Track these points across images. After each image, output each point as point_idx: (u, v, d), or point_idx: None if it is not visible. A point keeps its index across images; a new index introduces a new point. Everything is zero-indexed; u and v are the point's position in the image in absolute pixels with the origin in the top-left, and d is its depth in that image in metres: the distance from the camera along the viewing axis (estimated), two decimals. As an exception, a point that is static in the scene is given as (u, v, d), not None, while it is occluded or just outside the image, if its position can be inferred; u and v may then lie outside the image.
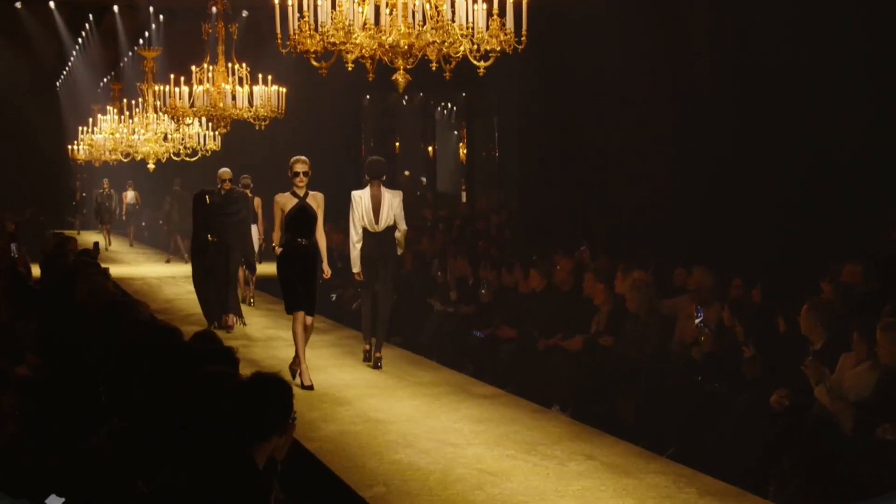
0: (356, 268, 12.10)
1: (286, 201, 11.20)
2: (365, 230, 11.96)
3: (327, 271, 11.50)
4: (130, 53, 30.04)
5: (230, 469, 4.62)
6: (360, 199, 11.99)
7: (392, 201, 11.99)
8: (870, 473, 7.32)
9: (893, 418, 7.44)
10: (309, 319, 11.24)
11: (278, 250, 11.32)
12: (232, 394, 5.02)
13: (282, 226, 11.24)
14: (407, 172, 37.36)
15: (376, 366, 12.09)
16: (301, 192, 11.18)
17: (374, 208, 11.89)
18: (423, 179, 36.61)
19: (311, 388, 10.90)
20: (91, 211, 32.21)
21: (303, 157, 11.23)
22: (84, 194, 34.05)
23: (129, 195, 32.15)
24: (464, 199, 31.45)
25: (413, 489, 7.63)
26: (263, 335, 14.52)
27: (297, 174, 11.14)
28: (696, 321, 10.22)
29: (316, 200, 11.25)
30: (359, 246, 12.00)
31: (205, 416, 5.03)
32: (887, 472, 7.20)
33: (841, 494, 7.46)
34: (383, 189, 12.00)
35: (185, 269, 22.48)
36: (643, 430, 9.50)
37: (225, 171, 15.02)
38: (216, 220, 14.91)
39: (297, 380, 10.98)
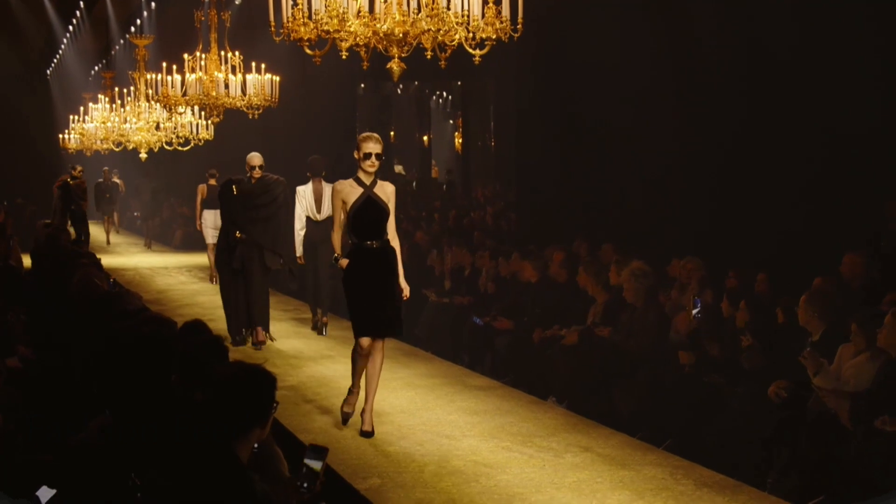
0: (299, 252, 13.79)
1: (349, 192, 8.92)
2: (308, 219, 13.70)
3: (406, 289, 9.09)
4: (122, 41, 30.08)
5: (212, 466, 4.62)
6: (304, 192, 13.77)
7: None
8: (870, 465, 7.35)
9: (893, 409, 7.46)
10: (379, 345, 8.89)
11: (343, 262, 8.99)
12: (213, 388, 5.00)
13: (344, 224, 9.07)
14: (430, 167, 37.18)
15: (321, 332, 14.04)
16: (368, 180, 8.91)
17: (316, 200, 13.63)
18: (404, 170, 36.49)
19: (370, 434, 8.85)
20: (91, 200, 32.16)
21: (375, 135, 8.99)
22: (79, 183, 33.99)
23: None
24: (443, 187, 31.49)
25: (408, 481, 7.66)
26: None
27: (367, 156, 8.83)
28: (694, 312, 10.26)
29: (385, 192, 8.99)
30: (302, 233, 13.72)
31: (188, 411, 5.04)
32: (888, 463, 7.23)
33: (841, 487, 7.49)
34: (323, 184, 13.62)
35: (177, 259, 22.53)
36: (640, 421, 9.53)
37: (255, 156, 13.07)
38: (244, 215, 12.95)
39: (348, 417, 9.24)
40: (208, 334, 6.30)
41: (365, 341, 8.78)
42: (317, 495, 5.09)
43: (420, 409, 9.78)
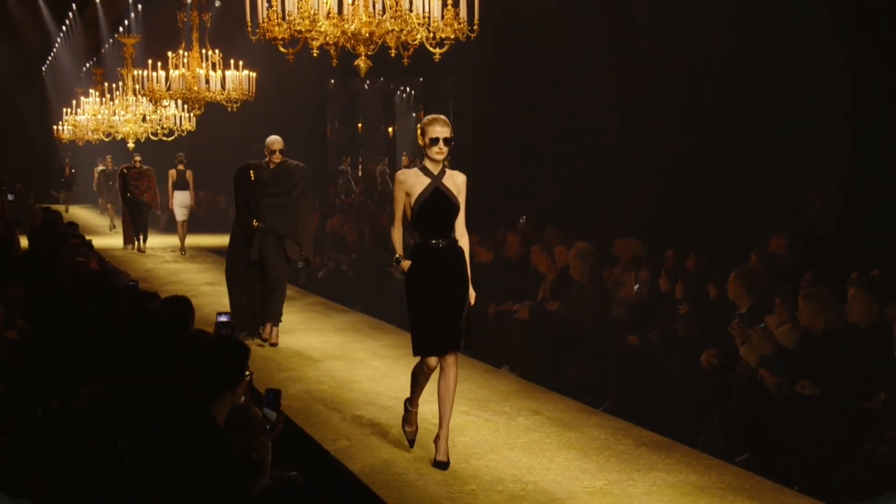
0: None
1: (413, 182, 7.07)
2: None
3: (471, 295, 7.28)
4: (111, 40, 29.91)
5: (191, 426, 4.62)
6: None
7: None
8: (792, 425, 7.43)
9: (811, 375, 7.54)
10: (451, 360, 7.09)
11: (405, 264, 7.21)
12: (192, 355, 5.02)
13: (406, 220, 7.25)
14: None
15: None
16: (436, 169, 7.10)
17: None
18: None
19: (446, 465, 7.07)
20: (93, 188, 31.80)
21: (442, 117, 7.09)
22: (73, 171, 33.71)
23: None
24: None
25: (374, 443, 7.67)
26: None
27: (434, 141, 6.98)
28: (635, 288, 10.33)
29: (455, 182, 7.17)
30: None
31: (169, 377, 5.03)
32: (807, 422, 7.31)
33: (765, 444, 7.57)
34: None
35: (161, 241, 22.41)
36: (585, 387, 9.57)
37: (275, 140, 11.24)
38: (262, 202, 11.16)
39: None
40: (189, 307, 6.30)
41: (432, 360, 7.07)
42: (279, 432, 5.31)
43: (386, 377, 9.78)
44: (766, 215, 11.74)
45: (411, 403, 7.42)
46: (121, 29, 26.52)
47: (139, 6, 26.44)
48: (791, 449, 7.31)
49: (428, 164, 7.08)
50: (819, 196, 11.55)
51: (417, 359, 7.16)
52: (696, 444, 7.84)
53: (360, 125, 36.40)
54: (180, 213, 20.58)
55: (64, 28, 33.07)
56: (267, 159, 11.23)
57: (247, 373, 5.06)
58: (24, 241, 15.45)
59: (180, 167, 20.58)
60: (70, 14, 31.28)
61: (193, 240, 21.54)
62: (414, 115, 37.36)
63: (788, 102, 12.03)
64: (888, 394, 7.13)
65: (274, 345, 11.26)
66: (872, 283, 8.21)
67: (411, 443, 7.49)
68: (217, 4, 22.68)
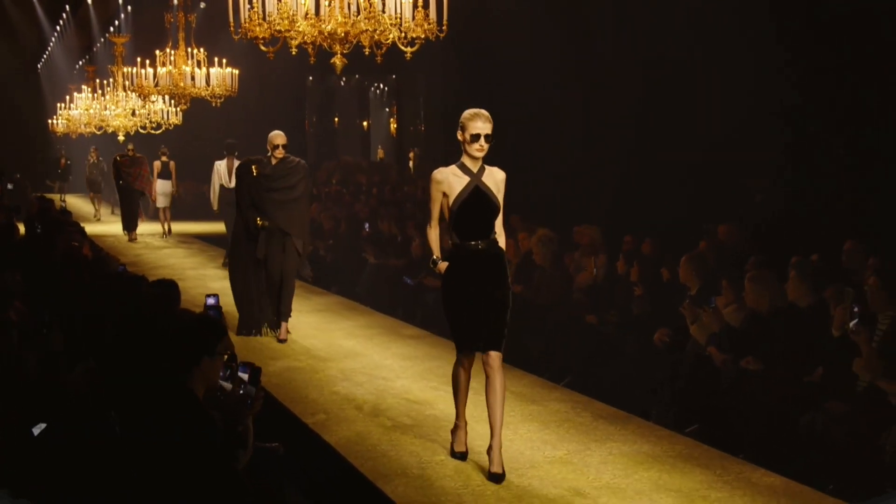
0: (215, 206, 15.53)
1: (452, 181, 6.26)
2: (222, 187, 15.20)
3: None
4: (102, 39, 29.75)
5: (167, 398, 4.60)
6: (220, 166, 15.37)
7: None
8: (737, 397, 7.48)
9: (755, 351, 7.59)
10: (496, 357, 6.41)
11: (442, 265, 6.61)
12: (165, 330, 4.99)
13: (444, 220, 6.49)
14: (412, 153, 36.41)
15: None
16: (475, 167, 6.25)
17: (229, 172, 14.93)
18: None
19: (501, 477, 6.24)
20: (83, 179, 31.59)
21: (484, 112, 6.20)
22: (69, 162, 33.50)
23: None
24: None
25: (349, 416, 7.66)
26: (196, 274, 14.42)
27: (475, 138, 6.15)
28: (594, 271, 10.36)
29: (495, 181, 6.34)
30: (215, 197, 15.59)
31: (151, 354, 5.01)
32: (752, 395, 7.36)
33: (712, 416, 7.61)
34: (234, 160, 14.50)
35: (151, 228, 22.28)
36: (547, 364, 9.59)
37: (277, 135, 10.29)
38: (265, 198, 10.28)
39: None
40: (176, 290, 6.28)
41: (468, 359, 6.55)
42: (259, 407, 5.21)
43: (360, 355, 9.78)
44: (714, 204, 11.82)
45: (457, 417, 6.69)
46: (111, 29, 26.40)
47: (129, 7, 26.31)
48: (737, 420, 7.35)
49: (467, 161, 6.26)
50: (763, 186, 11.64)
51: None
52: (650, 417, 7.87)
53: (336, 120, 36.37)
54: (161, 200, 21.03)
55: (58, 28, 32.92)
56: (269, 154, 10.33)
57: (225, 354, 5.03)
58: (21, 228, 15.37)
59: (164, 158, 20.92)
60: (64, 15, 31.16)
61: (180, 226, 21.76)
62: (387, 109, 37.39)
63: (735, 99, 12.13)
64: (825, 368, 7.20)
65: (283, 341, 10.39)
66: (811, 267, 8.27)
67: (464, 458, 6.66)
68: (202, 6, 22.61)
